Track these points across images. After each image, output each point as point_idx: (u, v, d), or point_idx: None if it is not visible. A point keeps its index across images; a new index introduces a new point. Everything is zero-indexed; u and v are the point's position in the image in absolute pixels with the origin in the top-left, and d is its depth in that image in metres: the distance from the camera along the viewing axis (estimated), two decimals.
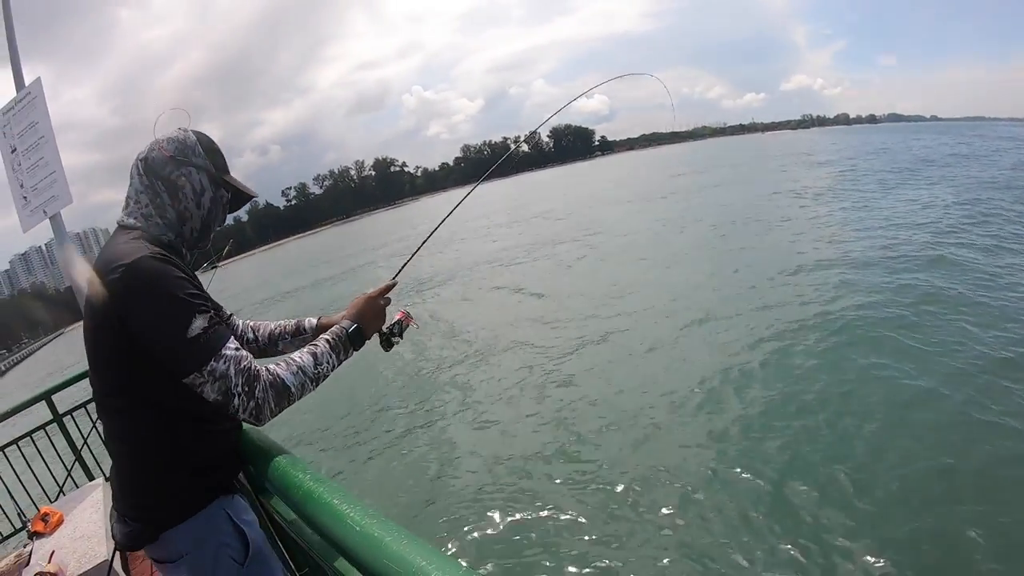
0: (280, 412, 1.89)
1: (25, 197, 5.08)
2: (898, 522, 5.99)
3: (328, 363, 2.01)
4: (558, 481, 7.87)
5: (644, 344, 12.31)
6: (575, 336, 13.75)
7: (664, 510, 6.83)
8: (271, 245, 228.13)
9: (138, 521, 1.98)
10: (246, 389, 1.79)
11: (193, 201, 2.03)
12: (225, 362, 1.77)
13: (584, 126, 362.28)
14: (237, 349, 1.83)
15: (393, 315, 2.41)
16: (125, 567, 4.38)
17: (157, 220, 1.98)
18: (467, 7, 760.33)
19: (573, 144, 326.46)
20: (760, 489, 6.87)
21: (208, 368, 1.75)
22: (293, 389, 1.88)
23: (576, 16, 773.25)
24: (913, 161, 41.27)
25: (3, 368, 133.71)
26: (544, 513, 7.22)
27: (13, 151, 5.13)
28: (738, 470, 7.26)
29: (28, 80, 5.21)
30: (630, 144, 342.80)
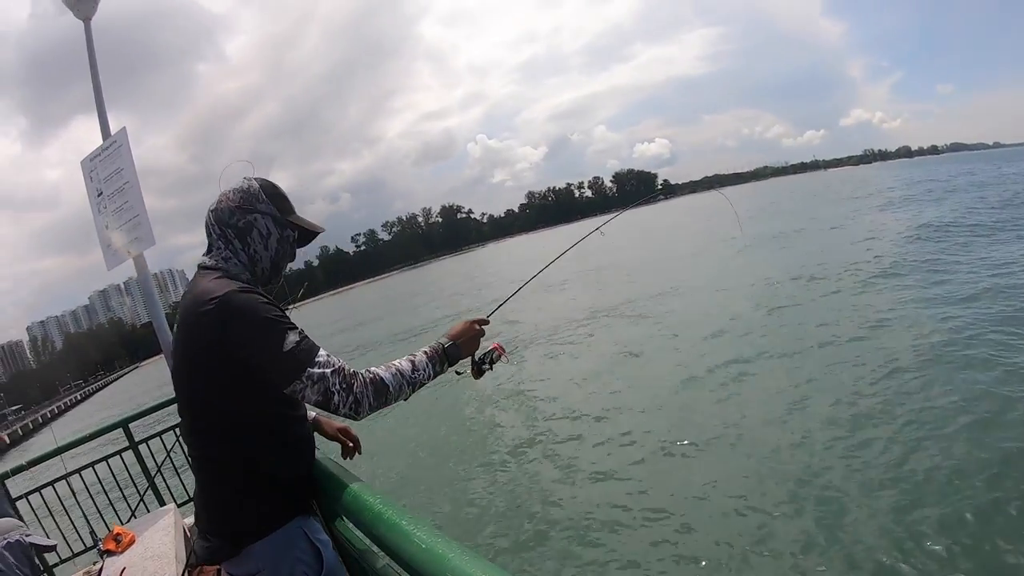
0: (378, 408, 2.04)
1: (110, 238, 5.43)
2: None
3: (425, 371, 2.15)
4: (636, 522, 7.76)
5: (731, 387, 11.92)
6: (655, 387, 13.32)
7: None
8: (340, 289, 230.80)
9: (220, 536, 2.14)
10: (344, 386, 1.96)
11: (261, 244, 2.23)
12: (321, 367, 1.95)
13: (646, 170, 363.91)
14: (329, 355, 2.00)
15: (487, 346, 2.51)
16: None
17: (234, 262, 2.19)
18: (527, 57, 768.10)
19: (636, 188, 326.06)
20: None
21: (307, 374, 1.93)
22: (391, 388, 2.04)
23: (633, 63, 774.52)
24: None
25: (78, 398, 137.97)
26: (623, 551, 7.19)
27: (99, 194, 5.49)
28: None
29: (114, 129, 5.59)
30: (692, 187, 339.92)
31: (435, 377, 2.21)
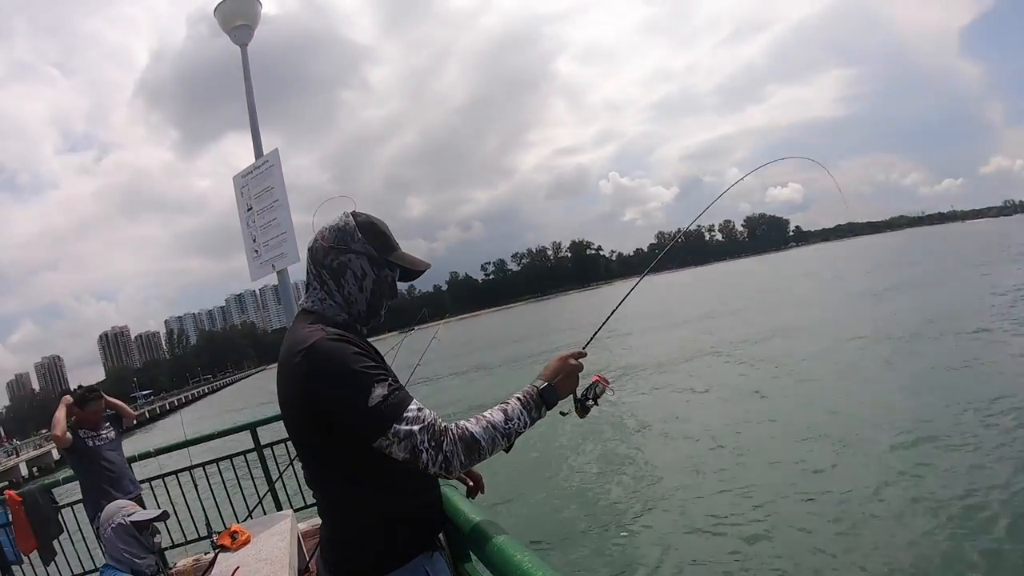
0: (470, 465, 1.91)
1: (256, 251, 5.75)
2: None
3: (519, 420, 1.99)
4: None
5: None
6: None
7: None
8: (467, 315, 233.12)
9: (340, 572, 2.13)
10: (432, 444, 1.84)
11: (356, 285, 2.15)
12: (408, 423, 1.83)
13: (778, 215, 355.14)
14: (420, 409, 1.87)
15: (588, 380, 2.27)
16: None
17: (330, 303, 2.13)
18: (661, 96, 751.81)
19: (767, 234, 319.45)
20: None
21: (392, 431, 1.82)
22: (483, 443, 1.90)
23: (768, 103, 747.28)
24: None
25: (206, 391, 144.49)
26: None
27: (249, 209, 5.82)
28: None
29: (267, 149, 5.91)
30: (825, 235, 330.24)
31: (532, 424, 2.05)
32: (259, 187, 5.75)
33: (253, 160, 5.95)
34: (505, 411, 1.97)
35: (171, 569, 6.09)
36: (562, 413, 2.20)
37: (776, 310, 37.32)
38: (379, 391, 1.84)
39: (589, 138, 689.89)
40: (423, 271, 2.29)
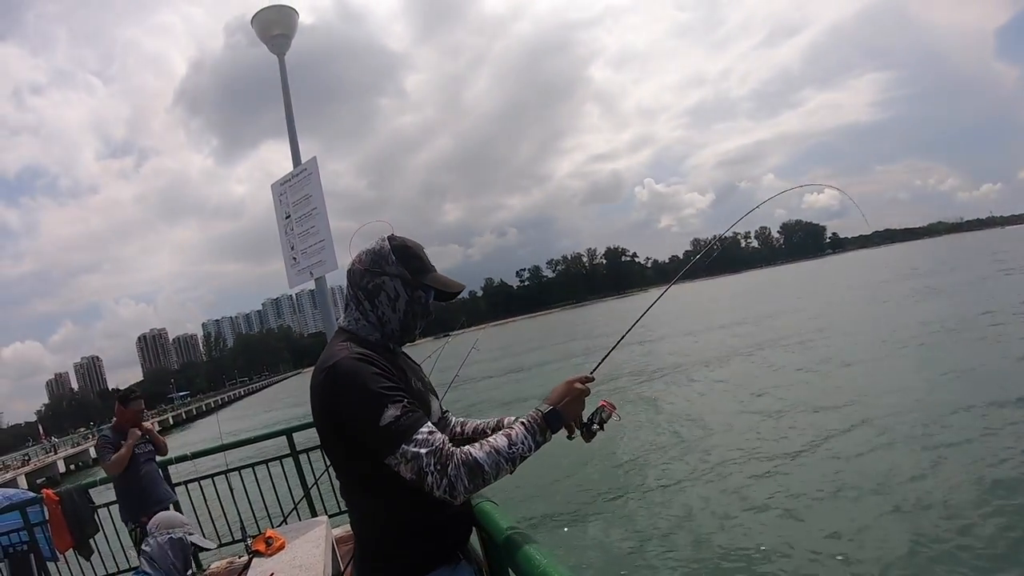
0: (475, 489, 1.94)
1: (295, 258, 5.79)
2: None
3: (524, 444, 2.01)
4: None
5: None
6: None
7: None
8: (503, 321, 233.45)
9: None
10: (438, 468, 1.88)
11: (389, 307, 2.23)
12: (417, 445, 1.89)
13: (815, 222, 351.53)
14: (431, 433, 1.93)
15: (594, 405, 2.30)
16: None
17: (364, 323, 2.23)
18: (695, 101, 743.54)
19: (804, 241, 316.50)
20: None
21: (401, 451, 1.89)
22: (487, 468, 1.93)
23: (803, 108, 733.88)
24: None
25: (242, 393, 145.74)
26: None
27: (287, 217, 5.87)
28: None
29: (304, 157, 5.96)
30: (862, 242, 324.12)
31: (536, 448, 2.07)
32: (297, 195, 5.79)
33: (291, 168, 6.00)
34: (509, 436, 2.01)
35: (205, 571, 6.18)
36: (569, 437, 2.23)
37: (813, 314, 37.04)
38: (392, 412, 1.92)
39: (623, 144, 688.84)
40: (458, 293, 2.37)
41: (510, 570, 2.05)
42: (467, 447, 1.96)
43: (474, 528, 2.36)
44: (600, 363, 2.45)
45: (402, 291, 2.24)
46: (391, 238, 2.30)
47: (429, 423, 1.96)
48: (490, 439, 2.00)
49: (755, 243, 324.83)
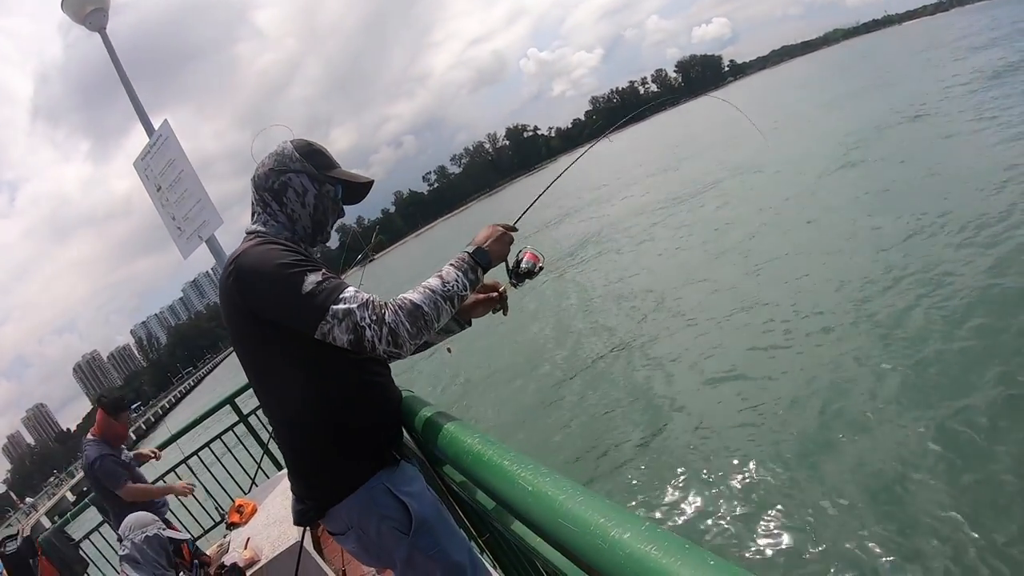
0: (418, 335, 1.90)
1: (179, 228, 5.58)
2: None
3: (457, 282, 2.00)
4: (741, 442, 7.38)
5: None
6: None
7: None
8: (421, 230, 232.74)
9: (308, 499, 2.17)
10: (374, 318, 1.83)
11: (298, 202, 2.17)
12: (346, 302, 1.84)
13: (710, 53, 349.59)
14: (357, 291, 1.89)
15: (518, 254, 2.36)
16: (317, 546, 4.76)
17: (272, 223, 2.15)
18: None
19: (702, 74, 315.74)
20: None
21: (331, 312, 1.83)
22: (426, 308, 1.89)
23: None
24: None
25: (192, 384, 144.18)
26: (728, 475, 6.84)
27: (159, 189, 5.64)
28: None
29: (176, 127, 5.70)
30: (762, 63, 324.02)
31: (470, 288, 2.06)
32: (160, 164, 5.55)
33: (147, 140, 5.74)
34: (440, 276, 2.01)
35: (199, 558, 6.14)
36: (498, 309, 2.42)
37: (729, 149, 36.12)
38: (312, 277, 1.89)
39: (498, 21, 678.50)
40: (367, 185, 2.35)
41: (437, 454, 2.02)
42: (399, 295, 1.93)
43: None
44: (522, 215, 2.47)
45: (310, 186, 2.19)
46: (293, 140, 2.25)
47: (352, 286, 1.92)
48: (422, 283, 1.98)
49: (654, 87, 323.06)
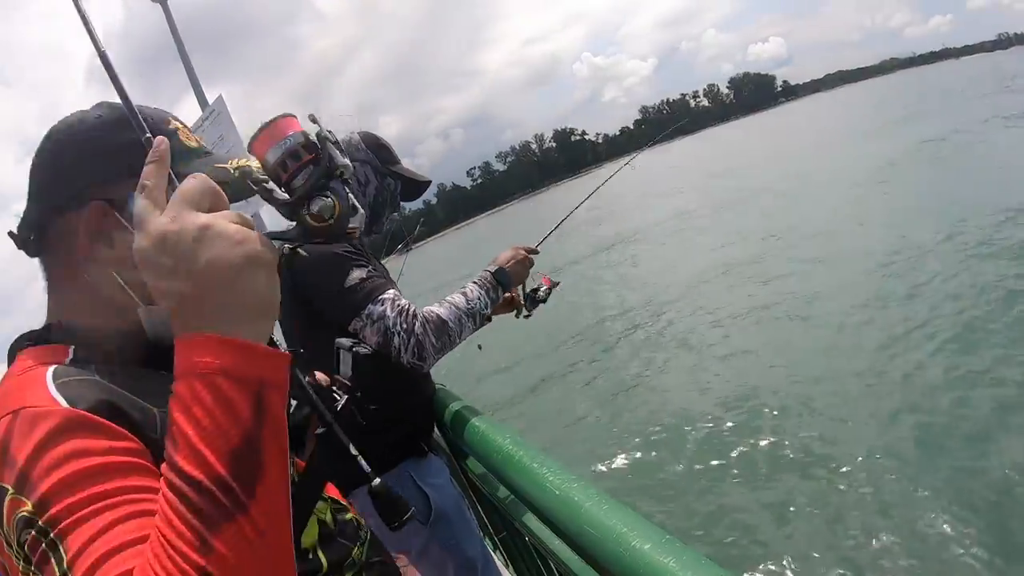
0: (442, 349, 1.96)
1: None
2: None
3: (480, 300, 2.07)
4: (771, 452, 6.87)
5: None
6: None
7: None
8: (461, 224, 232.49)
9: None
10: (404, 327, 1.89)
11: (359, 191, 2.21)
12: (383, 304, 1.91)
13: (763, 72, 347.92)
14: (397, 297, 1.94)
15: (536, 279, 2.44)
16: None
17: None
18: None
19: (754, 93, 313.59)
20: None
21: (367, 311, 1.90)
22: (451, 324, 1.96)
23: None
24: None
25: None
26: (757, 491, 6.35)
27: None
28: None
29: (229, 101, 5.75)
30: (815, 86, 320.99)
31: (491, 306, 2.14)
32: (211, 138, 5.54)
33: (200, 114, 5.80)
34: (465, 293, 2.08)
35: None
36: (516, 316, 2.44)
37: (775, 165, 35.72)
38: (357, 274, 1.95)
39: (554, 23, 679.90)
40: (425, 184, 2.45)
41: (465, 449, 2.07)
42: (427, 307, 1.99)
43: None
44: (544, 239, 2.55)
45: (372, 177, 2.27)
46: (360, 131, 2.32)
47: (394, 290, 1.98)
48: (447, 298, 2.04)
49: (705, 102, 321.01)
